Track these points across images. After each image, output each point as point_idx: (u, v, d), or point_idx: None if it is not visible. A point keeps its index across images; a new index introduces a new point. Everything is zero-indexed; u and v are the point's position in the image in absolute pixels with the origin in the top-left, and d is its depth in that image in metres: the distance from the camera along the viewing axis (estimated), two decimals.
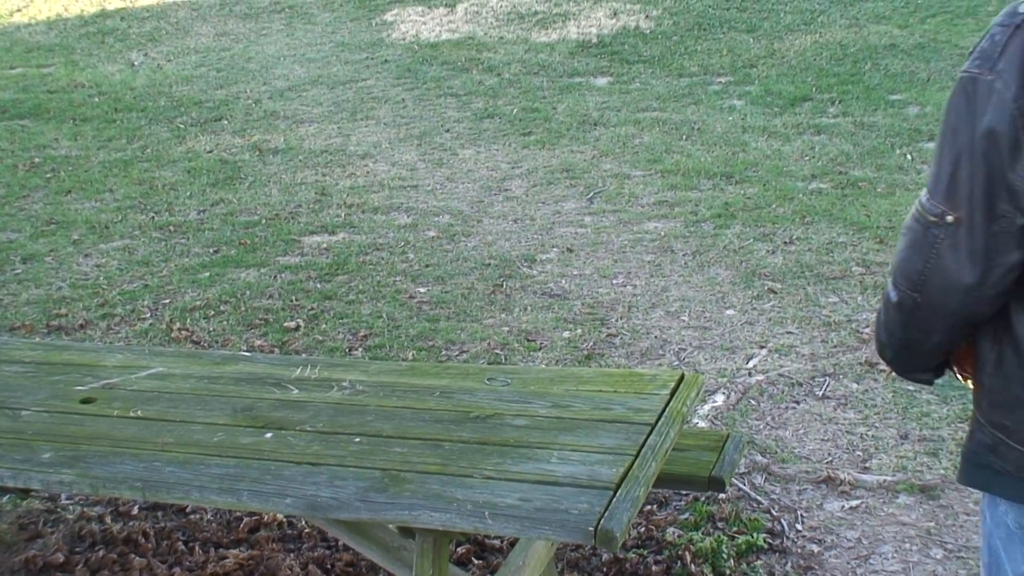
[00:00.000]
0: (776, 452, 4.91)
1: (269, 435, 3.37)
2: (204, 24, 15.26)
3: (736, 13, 13.79)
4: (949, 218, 2.17)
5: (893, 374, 2.60)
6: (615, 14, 14.08)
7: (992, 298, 2.22)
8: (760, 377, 5.60)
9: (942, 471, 4.70)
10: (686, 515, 4.48)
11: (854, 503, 4.52)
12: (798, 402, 5.35)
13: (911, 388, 5.31)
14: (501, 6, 14.79)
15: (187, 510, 4.63)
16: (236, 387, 3.74)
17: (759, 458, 4.87)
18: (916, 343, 2.39)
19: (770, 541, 4.29)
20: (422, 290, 6.89)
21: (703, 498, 4.56)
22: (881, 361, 2.58)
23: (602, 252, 7.38)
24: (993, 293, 2.21)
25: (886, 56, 11.81)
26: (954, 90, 2.18)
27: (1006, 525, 2.39)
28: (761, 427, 5.14)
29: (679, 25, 13.51)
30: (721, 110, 10.38)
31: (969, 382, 2.44)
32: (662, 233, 7.62)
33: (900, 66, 11.41)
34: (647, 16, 13.92)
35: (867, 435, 4.98)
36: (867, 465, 4.77)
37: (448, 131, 10.29)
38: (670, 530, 4.37)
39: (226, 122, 10.89)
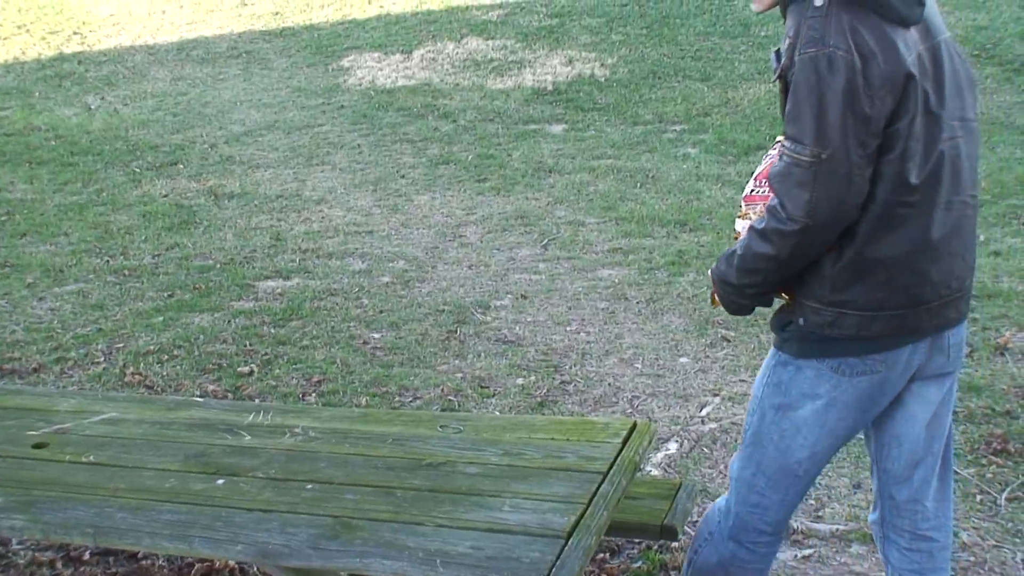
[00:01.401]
0: None
1: (221, 481, 3.38)
2: (161, 68, 15.26)
3: (691, 62, 13.89)
4: (824, 155, 2.93)
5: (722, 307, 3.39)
6: (571, 62, 14.16)
7: (859, 205, 3.01)
8: (713, 425, 5.63)
9: None
10: (639, 563, 4.49)
11: (807, 552, 4.54)
12: None
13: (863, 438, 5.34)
14: (457, 53, 14.85)
15: (139, 556, 4.61)
16: (188, 433, 3.74)
17: None
18: (800, 260, 3.12)
19: None
20: (376, 336, 6.90)
21: (656, 546, 4.57)
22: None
23: (556, 299, 7.41)
24: (860, 201, 3.00)
25: None
26: (801, 69, 2.96)
27: (817, 375, 3.24)
28: (714, 475, 5.16)
29: (634, 73, 13.60)
30: (675, 158, 10.46)
31: (785, 296, 3.26)
32: (616, 280, 7.66)
33: None
34: (602, 64, 14.00)
35: (820, 484, 5.01)
36: (820, 514, 4.80)
37: (403, 177, 10.32)
38: None
39: (182, 166, 10.89)
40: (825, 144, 2.93)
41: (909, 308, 3.15)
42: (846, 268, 3.10)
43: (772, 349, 3.39)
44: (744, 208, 3.43)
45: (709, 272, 3.43)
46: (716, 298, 3.42)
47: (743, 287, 3.25)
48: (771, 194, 3.10)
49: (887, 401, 3.31)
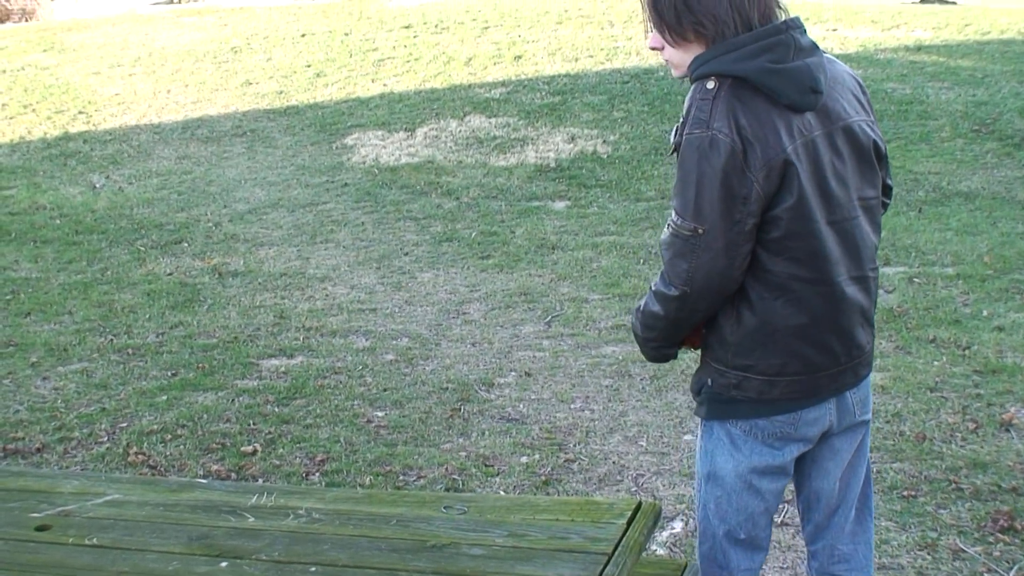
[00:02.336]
0: None
1: (224, 564, 3.36)
2: (166, 147, 15.34)
3: None
4: (701, 230, 3.16)
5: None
6: (573, 139, 14.23)
7: (738, 278, 3.24)
8: None
9: None
10: None
11: None
12: None
13: None
14: (460, 131, 14.94)
15: None
16: (192, 515, 3.73)
17: None
18: (685, 322, 3.37)
19: None
20: (380, 414, 6.90)
21: None
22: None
23: (560, 376, 7.41)
24: (739, 275, 3.23)
25: None
26: (685, 149, 3.18)
27: (728, 437, 3.47)
28: None
29: (636, 150, 13.66)
30: None
31: (696, 350, 3.52)
32: (620, 357, 7.66)
33: None
34: (604, 141, 14.07)
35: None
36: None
37: (407, 254, 10.34)
38: None
39: (186, 245, 10.92)
40: (702, 220, 3.16)
41: (808, 374, 3.37)
42: (747, 335, 3.34)
43: (697, 418, 3.64)
44: None
45: None
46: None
47: (646, 340, 3.56)
48: None
49: (791, 468, 3.56)
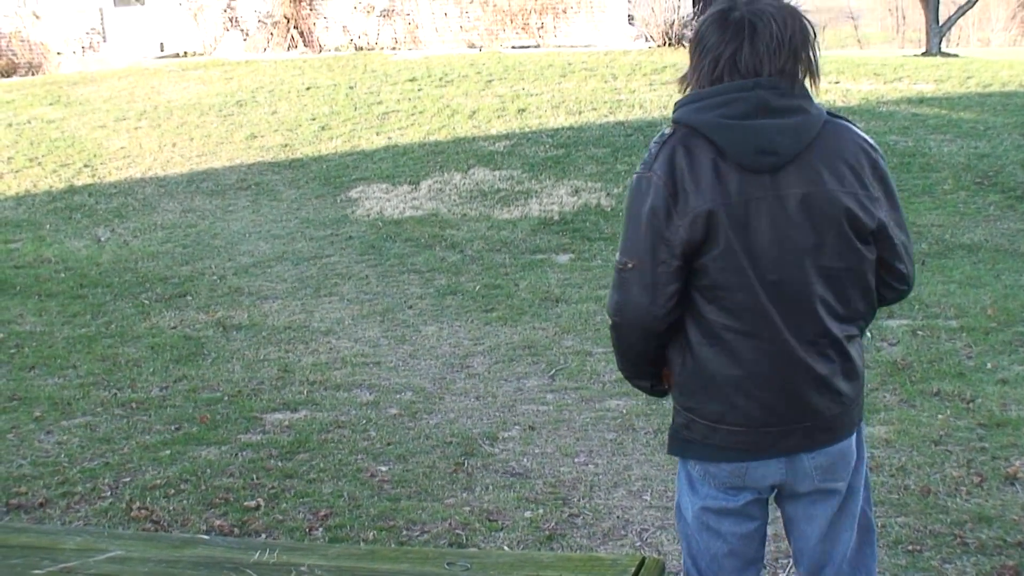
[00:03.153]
0: None
1: None
2: (171, 200, 15.39)
3: None
4: (630, 265, 3.39)
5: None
6: (576, 192, 14.27)
7: (663, 316, 3.41)
8: None
9: None
10: None
11: None
12: None
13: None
14: (464, 184, 14.98)
15: None
16: (194, 571, 3.73)
17: None
18: (627, 351, 3.59)
19: None
20: (383, 468, 6.89)
21: None
22: None
23: (564, 430, 7.40)
24: (663, 312, 3.41)
25: None
26: (629, 187, 3.44)
27: (688, 476, 3.64)
28: None
29: None
30: None
31: (668, 388, 3.67)
32: (624, 411, 7.66)
33: None
34: (608, 194, 14.11)
35: None
36: None
37: (411, 307, 10.36)
38: None
39: (191, 298, 10.94)
40: (631, 256, 3.39)
41: (748, 427, 3.46)
42: (688, 377, 3.50)
43: None
44: None
45: None
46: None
47: (620, 368, 3.75)
48: None
49: (758, 512, 3.64)
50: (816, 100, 3.45)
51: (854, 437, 3.58)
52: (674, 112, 3.45)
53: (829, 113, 3.45)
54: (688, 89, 3.48)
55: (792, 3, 3.44)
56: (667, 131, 3.43)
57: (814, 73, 3.44)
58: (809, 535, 3.66)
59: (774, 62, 3.34)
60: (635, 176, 3.42)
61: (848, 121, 3.48)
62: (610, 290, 3.52)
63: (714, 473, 3.55)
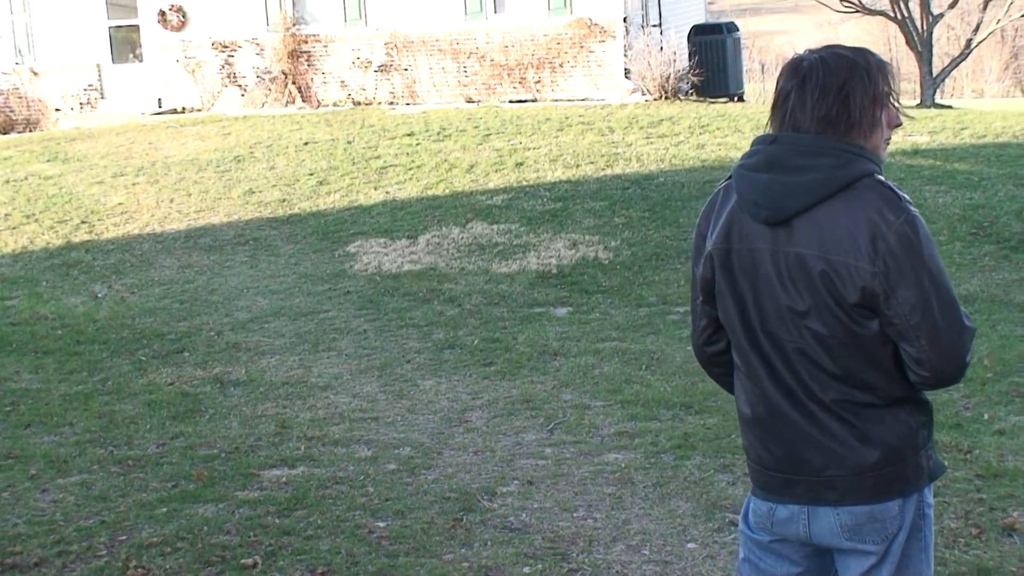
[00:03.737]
0: None
1: None
2: (168, 256, 15.40)
3: (692, 243, 14.00)
4: (692, 297, 3.73)
5: None
6: (574, 245, 14.29)
7: (702, 346, 3.78)
8: None
9: None
10: None
11: None
12: None
13: None
14: (463, 237, 15.00)
15: None
16: None
17: None
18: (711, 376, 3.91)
19: None
20: (381, 524, 6.86)
21: None
22: None
23: (563, 484, 7.38)
24: (701, 342, 3.76)
25: None
26: None
27: (745, 514, 3.77)
28: None
29: (637, 255, 13.72)
30: (680, 340, 10.47)
31: None
32: (623, 464, 7.64)
33: None
34: (606, 247, 14.13)
35: None
36: None
37: (409, 362, 10.34)
38: None
39: (188, 354, 10.93)
40: (691, 290, 3.75)
41: (759, 466, 3.63)
42: (737, 408, 3.71)
43: None
44: None
45: None
46: None
47: None
48: None
49: (798, 557, 3.66)
50: (869, 155, 3.39)
51: (895, 504, 3.48)
52: None
53: (878, 179, 3.36)
54: None
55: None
56: (724, 180, 3.65)
57: (870, 122, 3.41)
58: None
59: (818, 110, 3.36)
60: None
61: (891, 190, 3.35)
62: None
63: (755, 509, 3.69)
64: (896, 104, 3.47)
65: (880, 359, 3.40)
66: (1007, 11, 40.86)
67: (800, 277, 3.39)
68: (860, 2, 40.93)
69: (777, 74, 3.51)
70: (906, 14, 38.48)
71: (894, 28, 46.21)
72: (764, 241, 3.43)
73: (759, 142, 3.48)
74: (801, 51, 3.51)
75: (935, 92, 37.18)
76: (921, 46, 38.09)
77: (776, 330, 3.45)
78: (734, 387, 3.72)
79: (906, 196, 3.37)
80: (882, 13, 41.14)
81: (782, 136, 3.40)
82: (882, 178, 3.37)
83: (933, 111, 24.43)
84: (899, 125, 3.49)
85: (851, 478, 3.45)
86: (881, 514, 3.48)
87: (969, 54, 43.16)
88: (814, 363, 3.42)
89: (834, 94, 3.35)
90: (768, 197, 3.38)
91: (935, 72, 38.72)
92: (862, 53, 3.43)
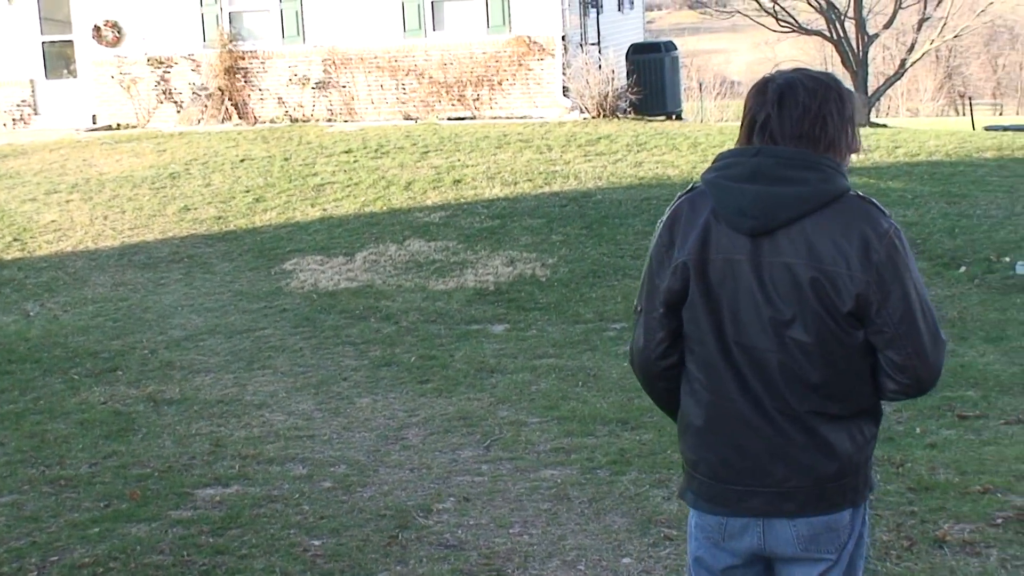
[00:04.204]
0: None
1: None
2: (102, 274, 15.26)
3: (629, 260, 14.05)
4: (638, 308, 3.70)
5: None
6: (512, 262, 14.29)
7: (655, 360, 3.69)
8: None
9: None
10: None
11: None
12: None
13: None
14: (400, 255, 14.97)
15: None
16: None
17: None
18: (645, 391, 3.88)
19: None
20: (317, 543, 6.82)
21: None
22: None
23: (499, 500, 7.37)
24: (655, 356, 3.68)
25: None
26: None
27: (689, 522, 3.77)
28: None
29: (574, 273, 13.74)
30: (616, 356, 10.50)
31: None
32: (559, 480, 7.63)
33: None
34: (543, 264, 14.15)
35: None
36: None
37: (345, 379, 10.29)
38: None
39: (121, 372, 10.82)
40: (639, 299, 3.71)
41: (713, 481, 3.61)
42: (679, 422, 3.73)
43: None
44: None
45: None
46: None
47: None
48: None
49: (738, 566, 3.68)
50: (845, 173, 3.52)
51: (847, 513, 3.58)
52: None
53: (858, 194, 3.49)
54: None
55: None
56: (692, 185, 3.65)
57: (845, 143, 3.53)
58: None
59: (799, 129, 3.45)
60: None
61: (874, 205, 3.48)
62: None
63: (699, 524, 3.70)
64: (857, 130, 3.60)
65: (859, 369, 3.51)
66: (940, 32, 41.42)
67: (786, 287, 3.43)
68: (797, 22, 41.34)
69: (747, 92, 3.61)
70: (842, 34, 38.92)
71: (830, 48, 46.70)
72: (743, 252, 3.46)
73: (738, 154, 3.52)
74: (771, 71, 3.62)
75: (870, 111, 37.53)
76: (857, 66, 38.50)
77: (755, 342, 3.48)
78: (682, 401, 3.69)
79: (887, 210, 3.50)
80: (818, 33, 41.59)
81: (766, 149, 3.46)
82: (863, 194, 3.51)
83: (868, 130, 24.63)
84: (858, 150, 3.62)
85: (811, 489, 3.52)
86: (836, 524, 3.56)
87: (904, 74, 43.67)
88: (793, 374, 3.46)
89: (814, 114, 3.46)
90: (758, 208, 3.42)
91: (870, 91, 39.12)
92: (833, 78, 3.58)
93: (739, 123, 3.61)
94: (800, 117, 3.46)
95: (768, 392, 3.49)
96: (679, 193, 3.66)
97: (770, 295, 3.45)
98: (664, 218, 3.63)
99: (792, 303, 3.44)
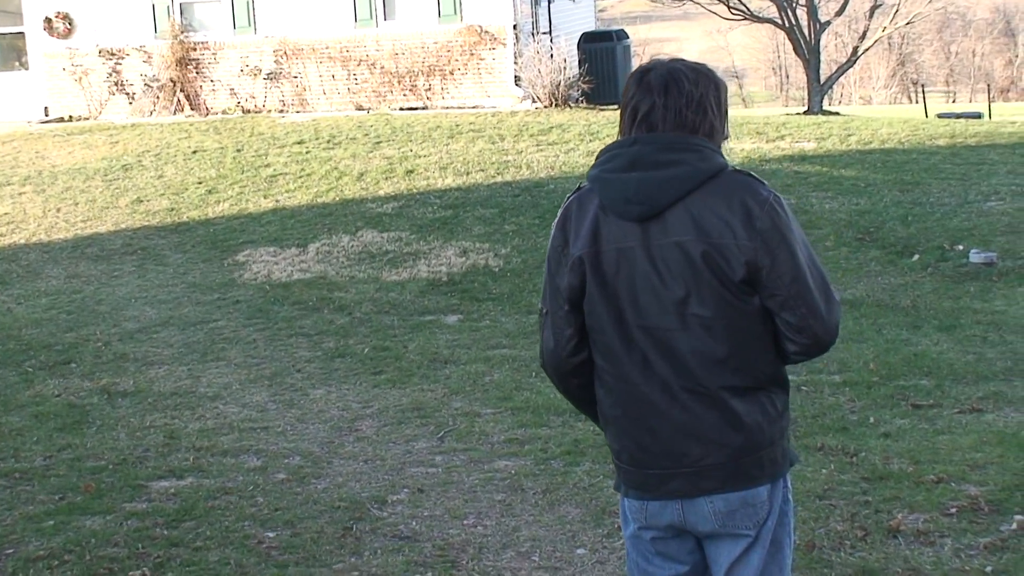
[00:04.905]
0: None
1: None
2: (55, 267, 15.21)
3: None
4: (544, 311, 3.77)
5: None
6: (464, 252, 14.32)
7: (566, 358, 3.74)
8: None
9: None
10: None
11: None
12: None
13: None
14: (352, 246, 14.97)
15: None
16: None
17: None
18: (559, 390, 3.93)
19: None
20: (271, 535, 6.84)
21: None
22: None
23: (453, 492, 7.40)
24: (566, 354, 3.73)
25: None
26: None
27: (621, 507, 3.84)
28: None
29: (527, 263, 13.78)
30: None
31: None
32: (513, 471, 7.67)
33: None
34: (496, 254, 14.18)
35: None
36: None
37: (299, 371, 10.30)
38: None
39: (75, 365, 10.79)
40: (543, 301, 3.79)
41: (635, 468, 3.69)
42: (599, 414, 3.79)
43: None
44: None
45: None
46: None
47: None
48: None
49: (684, 556, 3.78)
50: (722, 153, 3.63)
51: (765, 489, 3.66)
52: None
53: (735, 169, 3.61)
54: None
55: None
56: (583, 184, 3.70)
57: (721, 130, 3.68)
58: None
59: (683, 116, 3.56)
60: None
61: (752, 177, 3.61)
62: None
63: (627, 506, 3.80)
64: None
65: (760, 335, 3.61)
66: (893, 19, 41.60)
67: (679, 265, 3.53)
68: (748, 10, 41.42)
69: (626, 83, 3.70)
70: (794, 22, 39.03)
71: (782, 35, 46.87)
72: (634, 239, 3.56)
73: (617, 147, 3.63)
74: (647, 62, 3.72)
75: (823, 99, 37.75)
76: (809, 53, 38.65)
77: (657, 322, 3.56)
78: (598, 395, 3.76)
79: (766, 181, 3.63)
80: (770, 20, 41.71)
81: (642, 137, 3.58)
82: (740, 168, 3.64)
83: (820, 118, 24.78)
84: (728, 138, 3.76)
85: (727, 465, 3.60)
86: (752, 499, 3.64)
87: (856, 61, 43.88)
88: (696, 351, 3.55)
89: (696, 102, 3.59)
90: (642, 193, 3.52)
91: (823, 79, 39.29)
92: (710, 68, 3.71)
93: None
94: (684, 105, 3.57)
95: (676, 372, 3.57)
96: (567, 195, 3.75)
97: (664, 276, 3.55)
98: (556, 220, 3.72)
99: (688, 280, 3.54)
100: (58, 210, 18.28)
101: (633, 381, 3.63)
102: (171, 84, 27.04)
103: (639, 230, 3.55)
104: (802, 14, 39.30)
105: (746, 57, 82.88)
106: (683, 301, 3.54)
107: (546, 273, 3.76)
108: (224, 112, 26.66)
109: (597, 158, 3.68)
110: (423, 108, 25.54)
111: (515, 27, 25.50)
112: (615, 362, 3.65)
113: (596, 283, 3.62)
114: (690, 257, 3.53)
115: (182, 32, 26.94)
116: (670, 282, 3.55)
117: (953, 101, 64.54)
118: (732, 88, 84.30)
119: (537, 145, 20.15)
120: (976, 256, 12.86)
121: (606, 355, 3.67)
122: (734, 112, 23.65)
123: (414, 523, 6.93)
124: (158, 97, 27.12)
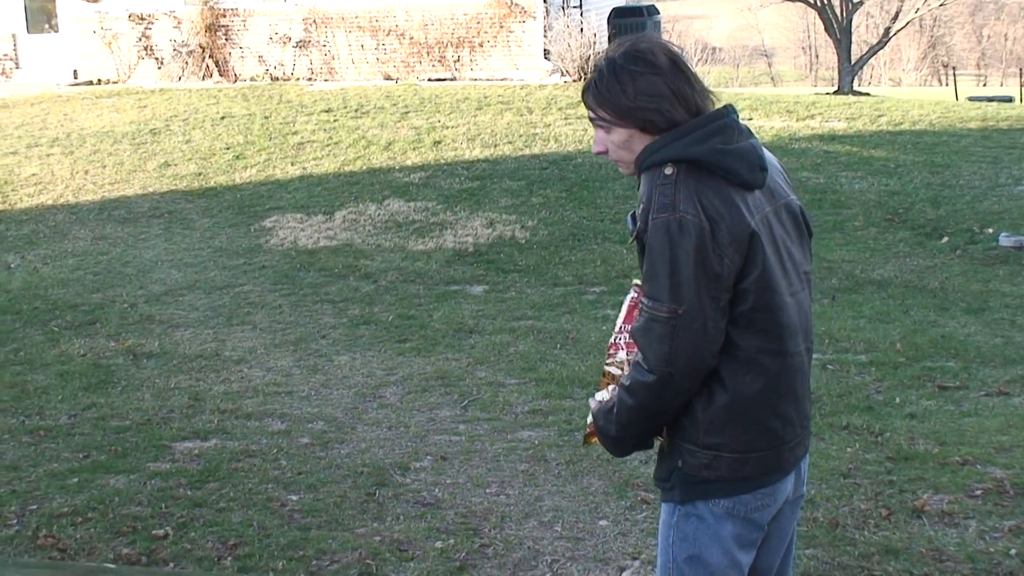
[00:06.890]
0: None
1: None
2: (82, 228, 15.24)
3: (609, 224, 14.08)
4: (680, 311, 3.29)
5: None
6: (491, 224, 14.30)
7: (717, 354, 3.36)
8: None
9: None
10: None
11: None
12: None
13: None
14: (379, 214, 14.96)
15: None
16: None
17: None
18: (668, 405, 3.43)
19: None
20: (294, 498, 6.84)
21: None
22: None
23: (476, 460, 7.40)
24: (717, 350, 3.35)
25: None
26: (653, 234, 3.32)
27: (702, 519, 3.51)
28: None
29: (554, 236, 13.75)
30: (595, 319, 10.53)
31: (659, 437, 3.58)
32: (536, 442, 7.66)
33: None
34: (523, 227, 14.15)
35: None
36: None
37: (324, 337, 10.31)
38: None
39: (100, 326, 10.82)
40: (680, 300, 3.30)
41: (773, 449, 3.50)
42: (718, 412, 3.42)
43: (664, 505, 3.64)
44: (608, 355, 3.75)
45: (590, 414, 3.69)
46: (592, 439, 3.75)
47: (624, 439, 3.58)
48: (635, 348, 3.46)
49: (757, 537, 3.62)
50: None
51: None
52: (656, 154, 3.41)
53: None
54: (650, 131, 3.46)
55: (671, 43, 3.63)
56: (667, 171, 3.37)
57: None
58: (776, 547, 3.75)
59: (701, 88, 3.50)
60: (659, 222, 3.33)
61: None
62: (650, 345, 3.38)
63: (746, 502, 3.52)
64: None
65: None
66: (926, 0, 41.33)
67: (792, 224, 3.57)
68: None
69: (638, 70, 3.44)
70: (825, 1, 38.83)
71: (813, 15, 46.66)
72: (766, 205, 3.48)
73: (708, 120, 3.43)
74: (640, 40, 3.52)
75: (853, 79, 37.55)
76: (840, 33, 38.48)
77: (796, 286, 3.54)
78: (728, 384, 3.43)
79: None
80: (802, 0, 41.48)
81: (729, 107, 3.50)
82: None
83: (851, 98, 24.68)
84: None
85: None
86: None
87: (887, 42, 43.67)
88: (808, 308, 3.62)
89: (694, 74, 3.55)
90: (761, 159, 3.49)
91: (853, 59, 39.11)
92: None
93: (663, 98, 3.43)
94: (696, 79, 3.53)
95: (808, 331, 3.61)
96: (660, 183, 3.37)
97: (792, 237, 3.56)
98: (678, 210, 3.30)
99: (798, 238, 3.59)
100: (86, 172, 18.31)
101: (791, 352, 3.48)
102: (200, 50, 27.07)
103: (763, 197, 3.48)
104: None
105: (776, 36, 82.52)
106: (800, 260, 3.57)
107: (690, 267, 3.29)
108: (252, 79, 26.68)
109: (679, 138, 3.40)
110: (451, 79, 25.51)
111: (545, 1, 25.43)
112: (781, 335, 3.45)
113: (763, 257, 3.37)
114: (795, 216, 3.58)
115: None
116: (793, 242, 3.55)
117: (984, 85, 64.17)
118: (761, 67, 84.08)
119: (565, 119, 20.11)
120: (1006, 239, 12.79)
121: (769, 332, 3.42)
122: (763, 90, 23.55)
123: (437, 490, 6.93)
124: (187, 63, 27.14)
